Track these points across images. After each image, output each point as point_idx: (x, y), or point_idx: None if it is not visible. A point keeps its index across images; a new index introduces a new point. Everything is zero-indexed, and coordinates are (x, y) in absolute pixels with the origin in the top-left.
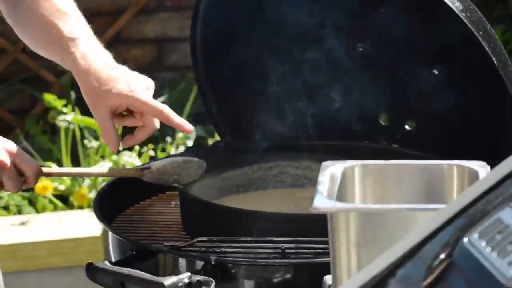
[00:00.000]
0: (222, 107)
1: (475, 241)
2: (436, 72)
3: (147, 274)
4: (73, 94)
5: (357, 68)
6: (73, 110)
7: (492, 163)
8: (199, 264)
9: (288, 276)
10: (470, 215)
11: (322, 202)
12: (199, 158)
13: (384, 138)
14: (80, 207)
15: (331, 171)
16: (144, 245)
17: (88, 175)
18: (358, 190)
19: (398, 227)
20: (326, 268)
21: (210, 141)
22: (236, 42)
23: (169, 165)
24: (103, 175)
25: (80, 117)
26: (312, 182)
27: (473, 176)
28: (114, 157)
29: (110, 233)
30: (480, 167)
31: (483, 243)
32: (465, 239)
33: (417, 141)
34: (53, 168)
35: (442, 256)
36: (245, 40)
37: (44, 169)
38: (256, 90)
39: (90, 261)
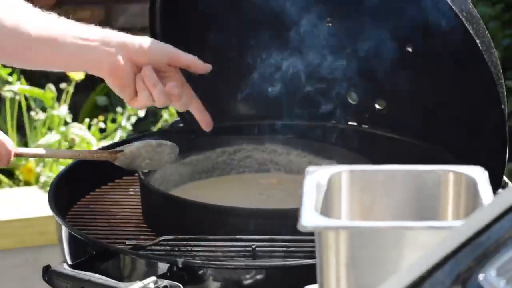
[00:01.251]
0: None
1: (492, 279)
2: (409, 49)
3: (109, 280)
4: None
5: (326, 45)
6: (19, 79)
7: (468, 149)
8: (165, 266)
9: (260, 278)
10: (483, 243)
11: (310, 219)
12: (157, 140)
13: (353, 118)
14: (27, 182)
15: (316, 179)
16: (106, 245)
17: (62, 156)
18: (345, 199)
19: (394, 245)
20: (300, 271)
21: (163, 112)
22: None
23: (142, 148)
24: (76, 157)
25: (26, 87)
26: (278, 167)
27: (471, 183)
28: (62, 128)
29: (67, 231)
30: (478, 174)
31: (503, 283)
32: (481, 276)
33: (387, 121)
34: (25, 148)
35: None
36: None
37: (17, 149)
38: (216, 66)
39: (47, 264)
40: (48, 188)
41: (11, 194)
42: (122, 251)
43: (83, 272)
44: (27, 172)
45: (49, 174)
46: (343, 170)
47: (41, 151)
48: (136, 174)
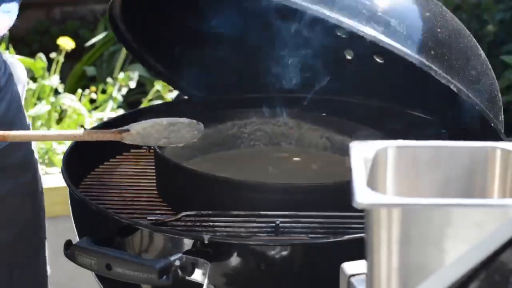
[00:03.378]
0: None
1: None
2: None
3: (136, 257)
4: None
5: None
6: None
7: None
8: (190, 242)
9: (286, 255)
10: None
11: (365, 196)
12: (163, 113)
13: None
14: None
15: (363, 154)
16: (129, 222)
17: (58, 138)
18: (390, 174)
19: (447, 223)
20: (327, 248)
21: (156, 83)
22: None
23: (151, 128)
24: (74, 138)
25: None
26: (289, 140)
27: None
28: (52, 99)
29: (86, 206)
30: None
31: None
32: None
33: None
34: (13, 132)
35: None
36: None
37: (3, 133)
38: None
39: (68, 239)
40: (40, 160)
41: None
42: (149, 227)
43: (108, 248)
44: None
45: (41, 145)
46: (389, 145)
47: (32, 133)
48: (144, 148)
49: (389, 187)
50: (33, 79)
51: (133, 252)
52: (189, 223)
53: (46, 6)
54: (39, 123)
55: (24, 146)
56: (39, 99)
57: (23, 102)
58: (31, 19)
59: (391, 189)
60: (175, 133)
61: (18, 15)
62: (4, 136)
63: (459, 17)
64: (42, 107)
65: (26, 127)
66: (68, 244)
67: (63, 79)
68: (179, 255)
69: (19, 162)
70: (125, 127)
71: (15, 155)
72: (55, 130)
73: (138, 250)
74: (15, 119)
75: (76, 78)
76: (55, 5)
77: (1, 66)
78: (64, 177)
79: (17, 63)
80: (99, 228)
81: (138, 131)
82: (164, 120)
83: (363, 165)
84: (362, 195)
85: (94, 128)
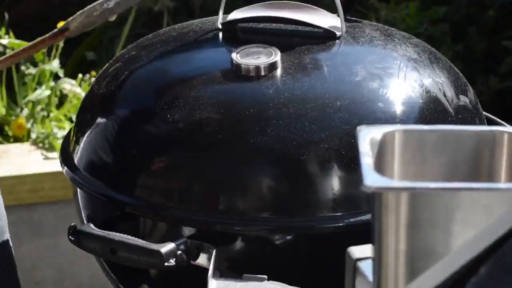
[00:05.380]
0: None
1: None
2: None
3: (140, 240)
4: (6, 15)
5: None
6: (7, 34)
7: None
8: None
9: (292, 238)
10: None
11: (374, 179)
12: None
13: None
14: (17, 139)
15: (370, 137)
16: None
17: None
18: (397, 158)
19: (455, 207)
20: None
21: None
22: None
23: (88, 14)
24: (19, 58)
25: (16, 41)
26: None
27: None
28: (52, 83)
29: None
30: None
31: None
32: None
33: None
34: None
35: None
36: None
37: None
38: None
39: (73, 224)
40: (41, 145)
41: (1, 151)
42: (153, 213)
43: (113, 233)
44: (17, 128)
45: (40, 130)
46: (397, 129)
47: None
48: None
49: (396, 171)
50: (33, 63)
51: (138, 236)
52: None
53: None
54: (39, 107)
55: None
56: (39, 83)
57: None
58: (31, 6)
59: (398, 173)
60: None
61: (18, 1)
62: None
63: (458, 3)
64: (42, 92)
65: None
66: (72, 229)
67: (63, 64)
68: (184, 239)
69: None
70: (63, 26)
71: None
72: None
73: (142, 234)
74: None
75: (76, 63)
76: None
77: None
78: (61, 163)
79: None
80: (103, 213)
81: (81, 21)
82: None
83: (370, 149)
84: (371, 179)
85: None
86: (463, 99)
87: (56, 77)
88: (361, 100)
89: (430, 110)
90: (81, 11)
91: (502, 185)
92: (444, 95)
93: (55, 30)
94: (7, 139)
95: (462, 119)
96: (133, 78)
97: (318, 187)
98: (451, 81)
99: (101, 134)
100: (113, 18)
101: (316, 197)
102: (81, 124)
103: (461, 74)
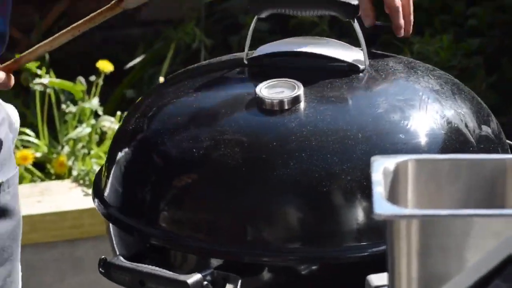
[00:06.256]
0: None
1: None
2: None
3: (168, 272)
4: (47, 55)
5: None
6: (48, 73)
7: None
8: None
9: (315, 269)
10: None
11: (384, 208)
12: None
13: None
14: (59, 176)
15: (384, 167)
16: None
17: (61, 40)
18: (411, 187)
19: (467, 233)
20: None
21: None
22: None
23: None
24: (74, 33)
25: (57, 80)
26: None
27: None
28: (93, 121)
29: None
30: None
31: None
32: None
33: None
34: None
35: None
36: None
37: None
38: None
39: (103, 257)
40: (81, 182)
41: (43, 188)
42: (179, 246)
43: (141, 264)
44: (59, 165)
45: (81, 167)
46: (410, 159)
47: (38, 47)
48: None
49: (410, 200)
50: (73, 102)
51: (166, 267)
52: None
53: (89, 31)
54: (80, 145)
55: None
56: (79, 121)
57: (12, 148)
58: (72, 44)
59: (412, 201)
60: None
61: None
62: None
63: (491, 35)
64: (83, 130)
65: (14, 173)
66: (102, 262)
67: (103, 102)
68: (211, 270)
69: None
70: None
71: None
72: (60, 33)
73: (170, 265)
74: (4, 166)
75: (116, 101)
76: (96, 29)
77: None
78: (93, 198)
79: (11, 109)
80: (132, 245)
81: None
82: None
83: (383, 178)
84: (381, 207)
85: None
86: (485, 129)
87: (96, 115)
88: (382, 132)
89: (452, 141)
90: None
91: (510, 211)
92: (466, 126)
93: (109, 4)
94: (49, 176)
95: (483, 148)
96: (160, 114)
97: (342, 217)
98: (474, 112)
99: (129, 168)
100: None
101: (340, 228)
102: (111, 159)
103: (484, 105)
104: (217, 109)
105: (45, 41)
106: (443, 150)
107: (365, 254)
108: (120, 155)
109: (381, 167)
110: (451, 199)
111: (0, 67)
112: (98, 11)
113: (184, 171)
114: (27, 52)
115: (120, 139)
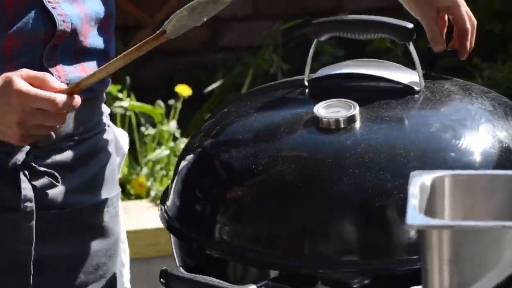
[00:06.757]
0: None
1: None
2: None
3: (225, 283)
4: (127, 79)
5: None
6: (129, 96)
7: None
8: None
9: (367, 282)
10: None
11: (416, 218)
12: None
13: None
14: (138, 196)
15: (421, 181)
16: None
17: (115, 67)
18: (447, 201)
19: (494, 244)
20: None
21: None
22: None
23: (181, 16)
24: (126, 61)
25: (136, 104)
26: None
27: None
28: (171, 143)
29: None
30: None
31: None
32: None
33: None
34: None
35: None
36: None
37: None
38: None
39: (164, 268)
40: (158, 202)
41: (124, 207)
42: (236, 257)
43: (199, 275)
44: (138, 186)
45: (159, 188)
46: (447, 174)
47: (95, 73)
48: None
49: (447, 213)
50: (153, 124)
51: (224, 278)
52: None
53: (171, 56)
54: (158, 166)
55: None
56: (158, 143)
57: (118, 172)
58: (156, 69)
59: (449, 215)
60: (205, 8)
61: (141, 65)
62: (79, 85)
63: None
64: (162, 152)
65: (116, 194)
66: (163, 273)
67: (182, 125)
68: (265, 281)
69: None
70: (161, 29)
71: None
72: (113, 60)
73: (227, 277)
74: (106, 185)
75: (196, 124)
76: (179, 54)
77: (102, 129)
78: (160, 211)
79: (122, 134)
80: (192, 256)
81: (174, 25)
82: (190, 5)
83: (420, 192)
84: (414, 218)
85: None
86: None
87: (174, 138)
88: (434, 149)
89: (502, 160)
90: (172, 15)
91: None
92: None
93: (153, 35)
94: (128, 197)
95: None
96: (222, 132)
97: (393, 231)
98: None
99: (191, 182)
100: (201, 21)
101: (392, 241)
102: (176, 173)
103: None
104: (277, 128)
105: (101, 67)
106: (493, 169)
107: (415, 267)
108: (184, 170)
109: (419, 182)
110: (487, 213)
111: (63, 90)
112: (145, 40)
113: (244, 186)
114: (86, 76)
115: (185, 155)
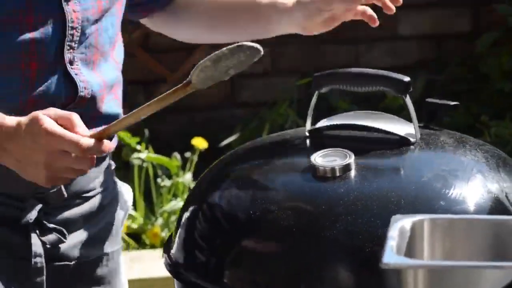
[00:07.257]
0: None
1: None
2: None
3: None
4: (146, 132)
5: None
6: (147, 148)
7: None
8: None
9: None
10: None
11: (391, 258)
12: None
13: None
14: (153, 246)
15: (401, 225)
16: None
17: (137, 117)
18: (426, 244)
19: (467, 283)
20: None
21: None
22: None
23: (206, 67)
24: (148, 113)
25: (153, 155)
26: None
27: None
28: (186, 195)
29: None
30: None
31: None
32: None
33: None
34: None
35: None
36: None
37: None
38: None
39: None
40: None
41: (137, 256)
42: None
43: None
44: (153, 236)
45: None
46: (426, 218)
47: (124, 118)
48: None
49: (426, 255)
50: (169, 176)
51: None
52: None
53: (189, 111)
54: (173, 217)
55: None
56: (174, 195)
57: (121, 226)
58: (175, 123)
59: (428, 257)
60: (230, 60)
61: (162, 118)
62: (106, 132)
63: None
64: (177, 203)
65: (117, 249)
66: None
67: (198, 178)
68: None
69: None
70: (186, 80)
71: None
72: (135, 111)
73: None
74: (109, 240)
75: None
76: (197, 110)
77: (108, 185)
78: (163, 256)
79: (126, 189)
80: None
81: (198, 75)
82: (213, 55)
83: (399, 235)
84: (389, 258)
85: None
86: None
87: (189, 190)
88: (424, 198)
89: (491, 209)
90: (196, 65)
91: (502, 263)
92: (507, 197)
93: (177, 86)
94: (143, 246)
95: None
96: (222, 181)
97: (384, 276)
98: None
99: (193, 231)
100: (228, 75)
101: (384, 285)
102: (179, 220)
103: None
104: (276, 176)
105: (130, 113)
106: None
107: None
108: (186, 217)
109: (399, 225)
110: (465, 256)
111: (91, 135)
112: (172, 89)
113: (243, 234)
114: (114, 122)
115: (188, 204)
